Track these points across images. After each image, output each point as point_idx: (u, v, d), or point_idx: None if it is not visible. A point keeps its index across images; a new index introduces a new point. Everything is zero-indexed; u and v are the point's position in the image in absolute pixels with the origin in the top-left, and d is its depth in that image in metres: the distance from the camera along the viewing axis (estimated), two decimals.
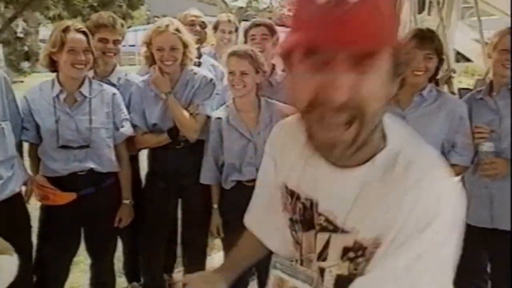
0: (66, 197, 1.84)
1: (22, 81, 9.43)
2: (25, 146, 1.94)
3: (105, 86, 1.98)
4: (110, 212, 2.00)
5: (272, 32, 2.33)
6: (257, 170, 1.92)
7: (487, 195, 1.90)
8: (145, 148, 2.21)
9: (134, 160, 2.25)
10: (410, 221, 0.61)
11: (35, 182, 1.86)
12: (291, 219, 0.80)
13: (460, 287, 2.05)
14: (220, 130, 1.99)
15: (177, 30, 1.95)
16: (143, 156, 2.33)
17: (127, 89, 2.14)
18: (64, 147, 1.81)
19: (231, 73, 1.91)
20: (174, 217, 2.30)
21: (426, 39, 1.87)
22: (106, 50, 2.06)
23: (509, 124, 1.84)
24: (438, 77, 2.58)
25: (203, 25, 2.62)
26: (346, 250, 0.70)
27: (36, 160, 1.90)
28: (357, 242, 0.68)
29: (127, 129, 1.99)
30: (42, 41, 7.06)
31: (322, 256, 0.74)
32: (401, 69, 0.64)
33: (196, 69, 2.14)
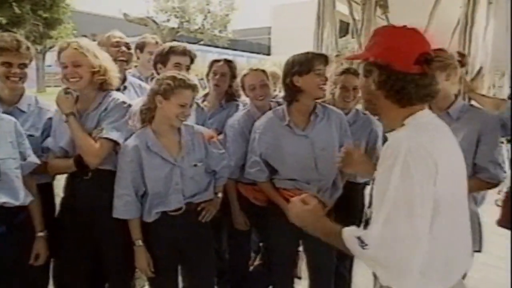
0: None
1: None
2: None
3: (3, 115, 1.79)
4: (27, 251, 1.81)
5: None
6: (183, 196, 1.88)
7: None
8: (56, 174, 2.05)
9: (48, 189, 2.08)
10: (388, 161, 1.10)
11: None
12: None
13: None
14: (139, 158, 1.85)
15: (80, 46, 1.84)
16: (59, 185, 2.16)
17: (41, 117, 1.99)
18: None
19: (183, 106, 1.83)
20: (95, 259, 2.04)
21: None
22: (10, 75, 1.87)
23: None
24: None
25: (128, 46, 2.52)
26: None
27: None
28: None
29: (33, 158, 1.83)
30: None
31: None
32: None
33: (114, 93, 2.00)
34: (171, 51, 2.25)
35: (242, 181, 2.28)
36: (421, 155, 1.05)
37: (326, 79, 2.00)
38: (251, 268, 2.84)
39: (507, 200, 1.95)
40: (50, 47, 17.78)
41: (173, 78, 1.84)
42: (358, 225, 1.25)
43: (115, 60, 2.39)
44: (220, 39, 20.15)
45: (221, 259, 2.64)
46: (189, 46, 2.36)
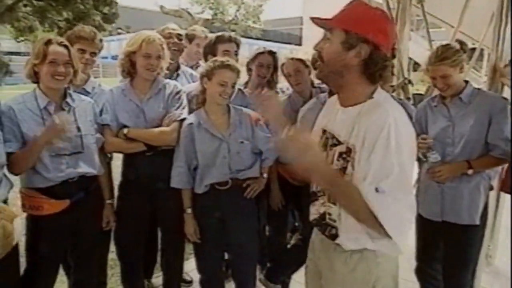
0: (60, 205, 1.89)
1: None
2: None
3: (83, 96, 2.07)
4: (98, 215, 2.10)
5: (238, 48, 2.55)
6: (230, 169, 2.08)
7: (439, 192, 2.12)
8: (116, 152, 2.25)
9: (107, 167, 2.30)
10: (370, 136, 1.15)
11: (23, 194, 1.90)
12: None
13: (419, 269, 2.31)
14: (192, 134, 2.08)
15: (162, 41, 2.12)
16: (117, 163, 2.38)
17: (101, 96, 2.25)
18: (56, 155, 1.86)
19: (223, 84, 2.03)
20: (151, 223, 2.33)
21: None
22: (83, 60, 2.17)
23: (461, 130, 2.04)
24: (394, 84, 2.86)
25: (179, 37, 2.74)
26: (340, 154, 1.26)
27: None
28: (348, 147, 1.23)
29: (99, 134, 2.09)
30: (2, 52, 6.94)
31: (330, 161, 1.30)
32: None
33: (166, 80, 2.26)
34: (218, 40, 2.47)
35: (280, 161, 2.42)
36: (406, 131, 1.18)
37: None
38: (288, 245, 3.02)
39: (508, 169, 2.08)
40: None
41: (214, 60, 2.08)
42: None
43: (168, 49, 2.65)
44: (253, 30, 20.22)
45: (261, 233, 2.78)
46: (233, 34, 2.57)
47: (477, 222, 2.08)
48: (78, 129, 1.94)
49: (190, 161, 2.11)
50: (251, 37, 20.45)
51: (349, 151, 1.23)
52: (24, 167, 1.80)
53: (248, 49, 3.09)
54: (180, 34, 2.74)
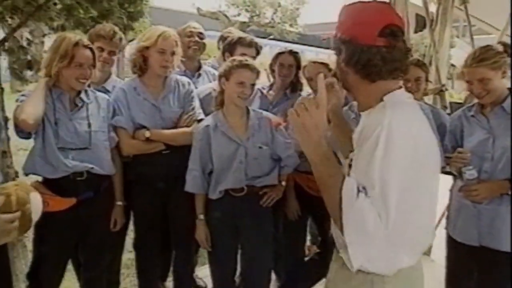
0: (66, 203, 1.87)
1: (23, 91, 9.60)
2: None
3: (98, 93, 2.06)
4: (107, 215, 2.06)
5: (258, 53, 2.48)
6: (246, 175, 1.98)
7: (475, 214, 1.88)
8: (136, 153, 2.17)
9: (127, 166, 2.26)
10: (360, 140, 1.09)
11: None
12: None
13: None
14: (209, 137, 2.01)
15: (178, 38, 2.08)
16: None
17: None
18: (63, 149, 1.84)
19: (241, 84, 1.95)
20: (164, 222, 2.25)
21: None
22: (101, 59, 2.16)
23: (503, 144, 1.81)
24: (429, 88, 2.65)
25: (201, 36, 2.69)
26: (350, 161, 1.18)
27: None
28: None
29: (113, 134, 2.05)
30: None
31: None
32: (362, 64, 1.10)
33: (177, 77, 2.22)
34: (239, 42, 2.41)
35: (298, 169, 2.30)
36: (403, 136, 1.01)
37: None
38: (307, 257, 2.89)
39: None
40: (130, 41, 18.93)
41: (232, 60, 2.01)
42: None
43: (188, 48, 2.59)
44: (289, 34, 20.03)
45: (278, 242, 2.69)
46: (256, 39, 2.49)
47: None
48: (89, 125, 1.92)
49: (205, 164, 2.04)
50: (288, 41, 20.36)
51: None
52: (30, 113, 1.74)
53: None
54: (201, 33, 2.69)
